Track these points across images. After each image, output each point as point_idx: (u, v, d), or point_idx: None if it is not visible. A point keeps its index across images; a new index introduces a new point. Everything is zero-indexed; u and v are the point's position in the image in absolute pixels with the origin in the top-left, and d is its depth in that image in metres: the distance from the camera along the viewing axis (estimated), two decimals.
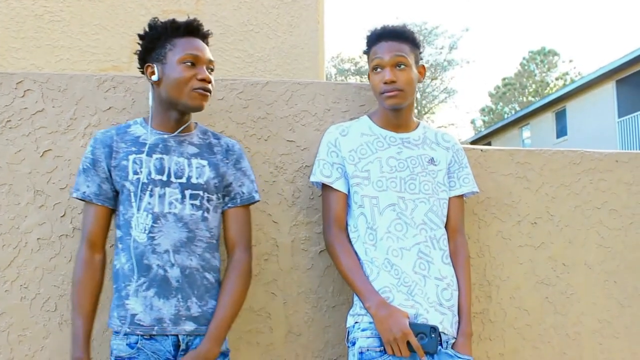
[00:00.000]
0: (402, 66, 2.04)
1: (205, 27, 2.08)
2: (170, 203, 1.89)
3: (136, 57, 1.99)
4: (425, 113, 34.66)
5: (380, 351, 1.93)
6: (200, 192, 1.92)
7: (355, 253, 2.06)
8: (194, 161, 1.95)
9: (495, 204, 2.48)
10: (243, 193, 2.02)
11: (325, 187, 2.13)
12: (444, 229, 2.13)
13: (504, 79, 40.25)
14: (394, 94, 2.04)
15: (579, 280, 2.50)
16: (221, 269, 2.02)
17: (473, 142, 28.43)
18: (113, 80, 2.26)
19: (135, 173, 1.88)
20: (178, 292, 1.86)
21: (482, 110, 41.42)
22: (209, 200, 1.94)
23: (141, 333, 1.82)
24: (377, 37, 2.09)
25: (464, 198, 2.26)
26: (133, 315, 1.83)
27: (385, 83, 2.03)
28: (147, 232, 1.86)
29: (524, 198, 2.50)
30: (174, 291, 1.85)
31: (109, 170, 1.90)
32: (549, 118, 21.63)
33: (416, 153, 2.13)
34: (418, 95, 33.77)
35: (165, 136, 1.94)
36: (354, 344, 1.99)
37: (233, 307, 1.91)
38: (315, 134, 2.36)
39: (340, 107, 2.39)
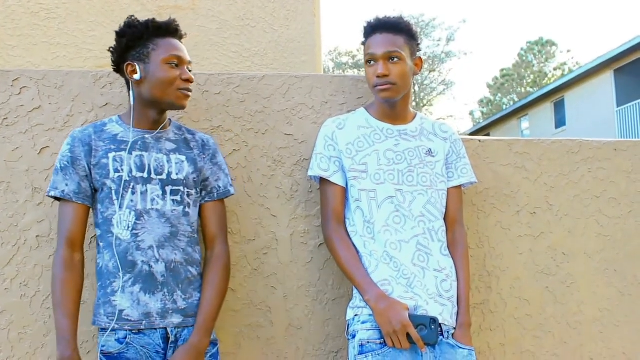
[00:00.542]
0: (396, 59, 2.04)
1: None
2: (153, 200, 1.91)
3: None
4: (424, 105, 34.64)
5: (380, 343, 1.93)
6: (181, 188, 1.95)
7: (354, 246, 2.06)
8: (173, 157, 1.97)
9: (494, 194, 2.48)
10: (219, 187, 2.06)
11: (323, 181, 2.13)
12: (443, 221, 2.12)
13: (502, 70, 40.22)
14: (386, 87, 2.04)
15: (579, 269, 2.51)
16: (202, 262, 2.04)
17: (472, 134, 28.43)
18: (109, 77, 2.25)
19: (117, 171, 1.90)
20: (164, 287, 1.89)
21: (481, 101, 41.38)
22: (189, 195, 1.97)
23: (129, 328, 1.85)
24: (372, 29, 2.08)
25: (463, 189, 2.26)
26: (121, 311, 1.85)
27: (378, 76, 2.03)
28: (130, 229, 1.88)
29: (523, 188, 2.50)
30: (159, 286, 1.88)
31: (89, 169, 1.90)
32: (547, 108, 21.61)
33: (414, 145, 2.13)
34: (416, 88, 33.75)
35: (147, 135, 1.96)
36: (354, 336, 1.99)
37: (218, 298, 1.95)
38: (313, 127, 2.35)
39: (338, 100, 2.38)
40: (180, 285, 1.91)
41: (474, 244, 2.44)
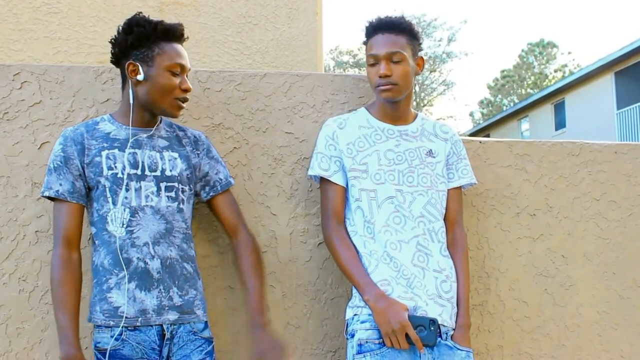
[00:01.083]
0: (398, 60, 2.03)
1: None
2: (147, 196, 1.92)
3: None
4: (424, 105, 34.64)
5: (379, 343, 1.93)
6: (175, 184, 1.96)
7: (354, 246, 2.06)
8: (166, 154, 1.98)
9: (494, 195, 2.48)
10: (221, 179, 2.09)
11: (323, 181, 2.13)
12: (443, 221, 2.12)
13: (502, 71, 40.20)
14: (388, 88, 2.04)
15: (578, 271, 2.50)
16: (197, 259, 2.06)
17: (472, 135, 28.43)
18: (111, 72, 2.25)
19: (110, 168, 1.90)
20: (159, 284, 1.89)
21: (481, 102, 41.36)
22: (183, 192, 1.98)
23: (125, 325, 1.85)
24: (374, 29, 2.08)
25: (463, 190, 2.26)
26: (116, 308, 1.85)
27: (380, 77, 2.03)
28: (125, 226, 1.88)
29: (523, 190, 2.50)
30: (155, 282, 1.88)
31: (82, 168, 1.90)
32: (547, 110, 21.61)
33: (414, 145, 2.12)
34: (417, 88, 33.74)
35: (140, 133, 1.97)
36: (352, 336, 1.99)
37: (261, 277, 2.02)
38: (314, 125, 2.35)
39: (339, 99, 2.38)
40: (176, 282, 1.91)
41: (473, 245, 2.44)
